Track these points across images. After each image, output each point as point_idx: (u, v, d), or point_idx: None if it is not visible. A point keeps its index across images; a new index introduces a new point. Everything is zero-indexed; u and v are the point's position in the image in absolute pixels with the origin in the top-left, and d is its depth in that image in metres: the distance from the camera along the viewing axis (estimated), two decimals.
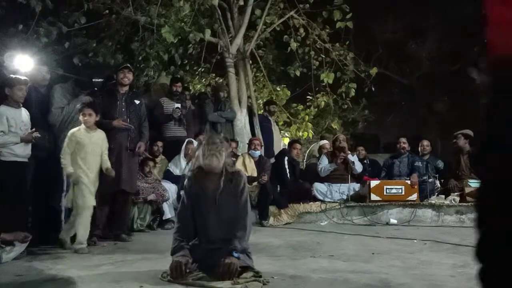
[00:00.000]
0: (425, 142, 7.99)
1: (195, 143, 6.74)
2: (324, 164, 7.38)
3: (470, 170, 7.15)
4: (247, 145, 7.58)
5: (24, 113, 4.62)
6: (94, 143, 4.67)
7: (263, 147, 7.98)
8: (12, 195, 4.47)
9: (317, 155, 8.40)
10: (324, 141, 8.72)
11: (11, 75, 4.64)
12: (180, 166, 6.77)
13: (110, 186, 5.05)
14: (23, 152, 4.53)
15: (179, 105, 7.28)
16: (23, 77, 4.64)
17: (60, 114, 5.05)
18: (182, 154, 6.79)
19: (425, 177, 7.14)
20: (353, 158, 7.41)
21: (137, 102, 5.37)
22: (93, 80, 5.71)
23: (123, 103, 5.22)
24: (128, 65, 5.53)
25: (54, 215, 4.92)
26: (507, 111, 1.18)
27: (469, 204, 6.59)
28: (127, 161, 5.19)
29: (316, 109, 10.94)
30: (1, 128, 4.39)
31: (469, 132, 7.41)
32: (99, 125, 4.83)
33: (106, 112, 5.12)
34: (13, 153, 4.44)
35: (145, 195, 5.94)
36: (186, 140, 6.86)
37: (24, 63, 5.25)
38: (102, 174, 4.93)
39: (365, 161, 8.45)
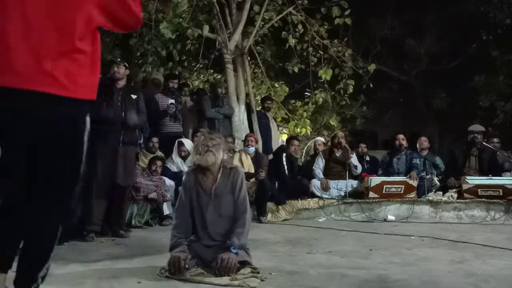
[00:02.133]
0: (423, 139, 7.99)
1: (186, 143, 6.73)
2: (318, 169, 7.36)
3: (477, 167, 7.17)
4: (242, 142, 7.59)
5: None
6: None
7: (260, 143, 7.98)
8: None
9: (312, 153, 8.38)
10: (319, 138, 8.70)
11: None
12: (176, 163, 6.78)
13: (105, 180, 5.04)
14: None
15: (173, 101, 7.26)
16: None
17: None
18: (175, 152, 6.80)
19: (423, 174, 7.14)
20: (356, 162, 7.39)
21: (133, 96, 5.35)
22: None
23: (119, 98, 5.20)
24: (116, 60, 5.50)
25: None
26: None
27: (467, 200, 6.60)
28: (122, 155, 5.17)
29: (314, 106, 10.95)
30: None
31: (483, 128, 7.50)
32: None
33: (103, 105, 5.10)
34: None
35: (145, 193, 5.93)
36: (177, 141, 6.83)
37: None
38: (98, 167, 4.92)
39: (365, 158, 8.47)
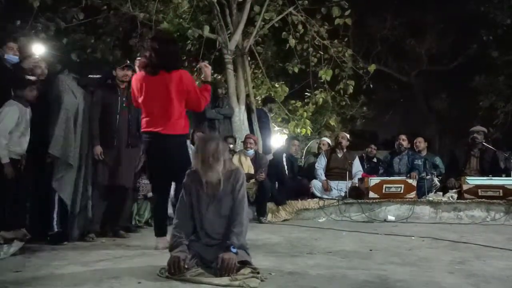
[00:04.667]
0: (419, 139, 8.01)
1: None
2: (320, 169, 7.38)
3: (478, 168, 7.17)
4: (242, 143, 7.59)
5: (30, 112, 4.66)
6: None
7: (259, 143, 7.98)
8: (9, 192, 4.46)
9: (316, 152, 8.40)
10: (324, 138, 8.74)
11: (25, 76, 4.68)
12: None
13: (108, 181, 5.03)
14: (20, 150, 4.53)
15: None
16: (33, 78, 4.70)
17: None
18: None
19: (423, 175, 7.15)
20: (357, 168, 7.46)
21: None
22: (90, 76, 5.69)
23: (124, 99, 5.19)
24: (129, 63, 5.48)
25: (47, 212, 4.84)
26: None
27: (467, 201, 6.60)
28: (127, 156, 5.17)
29: (314, 106, 10.95)
30: (10, 126, 4.43)
31: (484, 128, 7.49)
32: None
33: (108, 108, 5.09)
34: (11, 150, 4.45)
35: (145, 192, 5.94)
36: None
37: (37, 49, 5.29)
38: (99, 167, 4.93)
39: (374, 160, 8.53)
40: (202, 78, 4.47)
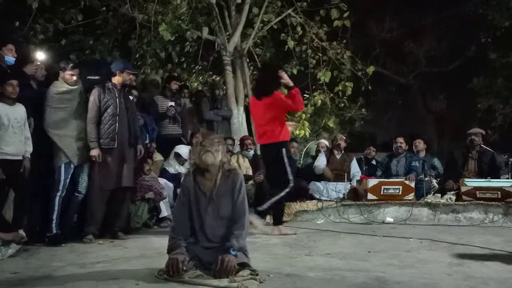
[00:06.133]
0: (418, 140, 8.04)
1: (183, 152, 6.70)
2: (320, 162, 7.40)
3: (476, 170, 7.18)
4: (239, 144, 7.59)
5: (20, 110, 4.58)
6: None
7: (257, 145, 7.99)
8: (5, 193, 4.44)
9: (313, 154, 8.40)
10: (322, 140, 8.74)
11: (6, 70, 4.64)
12: (174, 166, 6.77)
13: (111, 183, 5.04)
14: (14, 150, 4.45)
15: (173, 103, 7.25)
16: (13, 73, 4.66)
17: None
18: (172, 156, 6.79)
19: (421, 176, 7.15)
20: (355, 169, 7.47)
21: (131, 97, 5.39)
22: (88, 77, 5.69)
23: (122, 100, 5.20)
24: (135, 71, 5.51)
25: (46, 214, 4.83)
26: None
27: (465, 203, 6.60)
28: (128, 157, 5.17)
29: (313, 108, 10.95)
30: None
31: (482, 131, 7.50)
32: None
33: (106, 108, 5.08)
34: (2, 151, 4.39)
35: (142, 193, 5.92)
36: (174, 153, 6.80)
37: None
38: (101, 170, 4.94)
39: (373, 162, 8.52)
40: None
